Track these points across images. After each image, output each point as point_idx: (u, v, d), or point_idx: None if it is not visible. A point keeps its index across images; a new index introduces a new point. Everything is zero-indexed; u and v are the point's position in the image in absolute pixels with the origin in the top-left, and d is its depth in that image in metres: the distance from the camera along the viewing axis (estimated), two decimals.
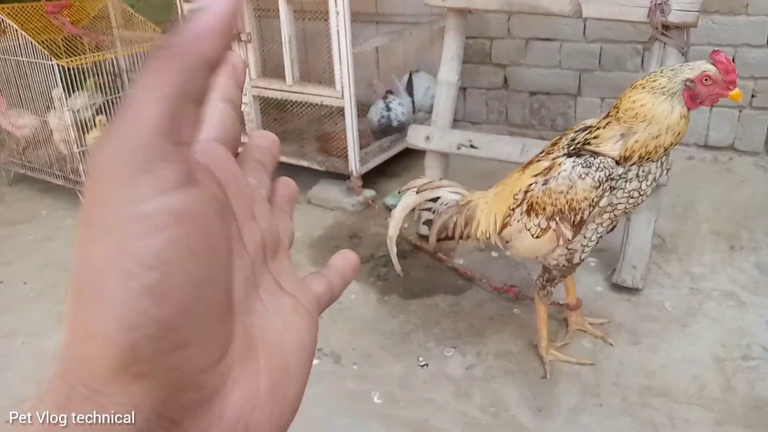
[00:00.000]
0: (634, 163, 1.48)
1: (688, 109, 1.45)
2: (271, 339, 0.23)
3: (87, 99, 2.99)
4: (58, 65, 2.72)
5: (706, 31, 2.80)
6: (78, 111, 2.93)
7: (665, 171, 2.01)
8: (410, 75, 3.37)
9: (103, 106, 3.06)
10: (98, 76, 3.01)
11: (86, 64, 2.93)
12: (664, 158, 1.51)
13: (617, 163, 1.49)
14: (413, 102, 3.30)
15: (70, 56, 2.85)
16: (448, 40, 2.56)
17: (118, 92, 3.16)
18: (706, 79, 1.42)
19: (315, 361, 1.94)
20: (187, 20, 0.20)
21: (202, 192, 0.20)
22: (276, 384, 0.22)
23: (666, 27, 2.03)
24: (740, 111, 2.87)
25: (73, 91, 2.92)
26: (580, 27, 3.07)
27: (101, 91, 3.05)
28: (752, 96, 2.83)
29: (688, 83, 1.43)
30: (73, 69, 2.82)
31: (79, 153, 2.93)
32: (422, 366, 1.92)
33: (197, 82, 0.19)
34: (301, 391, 0.24)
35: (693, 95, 1.44)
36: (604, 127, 1.52)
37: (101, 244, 0.19)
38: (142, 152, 0.18)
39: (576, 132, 1.60)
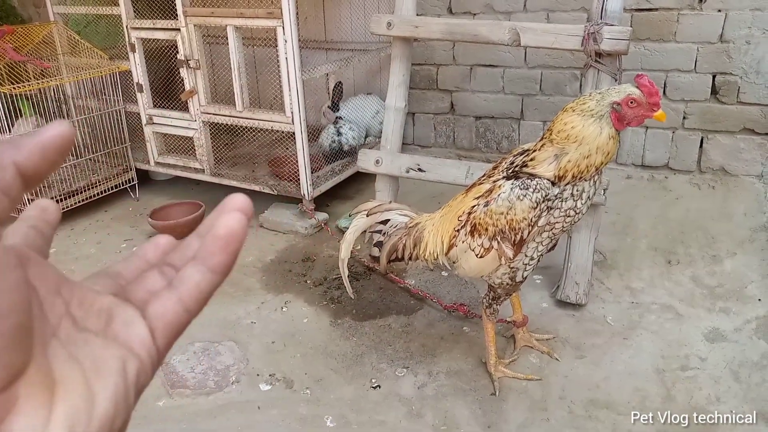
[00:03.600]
0: (568, 183, 1.56)
1: (617, 130, 1.54)
2: (73, 378, 0.26)
3: (32, 125, 2.94)
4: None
5: (638, 57, 2.95)
6: None
7: (602, 191, 2.10)
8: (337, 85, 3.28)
9: None
10: (43, 102, 2.97)
11: (30, 91, 2.88)
12: (596, 177, 1.58)
13: (552, 183, 1.56)
14: (339, 117, 3.29)
15: (14, 83, 2.80)
16: (394, 67, 2.63)
17: (64, 119, 3.11)
18: (631, 102, 1.51)
19: (267, 387, 1.95)
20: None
21: None
22: (77, 411, 0.25)
23: (599, 54, 2.14)
24: (674, 132, 3.02)
25: (17, 118, 2.86)
26: (521, 54, 3.19)
27: (43, 116, 3.00)
28: (684, 118, 2.98)
29: (615, 106, 1.52)
30: (17, 96, 2.77)
31: None
32: (374, 387, 1.94)
33: None
34: (116, 411, 0.27)
35: (620, 117, 1.52)
36: (539, 150, 1.59)
37: None
38: None
39: (515, 155, 1.67)
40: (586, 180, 1.56)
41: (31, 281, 0.27)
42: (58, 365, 0.26)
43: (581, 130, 1.52)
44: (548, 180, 1.56)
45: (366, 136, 3.47)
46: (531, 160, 1.59)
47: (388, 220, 1.91)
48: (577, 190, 1.57)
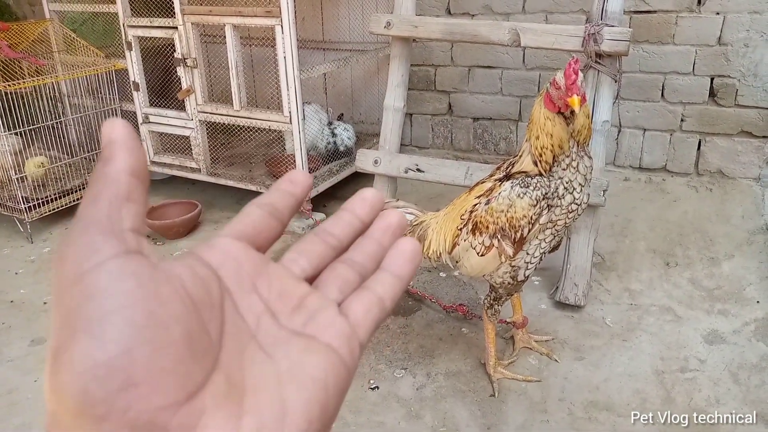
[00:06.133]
0: (546, 171, 1.56)
1: (550, 111, 1.53)
2: (266, 385, 0.25)
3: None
4: None
5: (637, 59, 2.95)
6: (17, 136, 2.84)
7: (601, 192, 2.10)
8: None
9: (41, 131, 2.97)
10: (38, 100, 2.94)
11: (25, 88, 2.86)
12: (574, 162, 1.56)
13: (540, 174, 1.56)
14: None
15: (8, 80, 2.77)
16: (393, 67, 2.62)
17: (59, 117, 3.09)
18: (555, 84, 1.50)
19: None
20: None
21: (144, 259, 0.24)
22: (265, 426, 0.24)
23: (599, 56, 2.13)
24: (671, 134, 3.02)
25: (11, 116, 2.83)
26: (519, 55, 3.19)
27: (37, 114, 2.97)
28: (681, 120, 2.98)
29: (548, 87, 1.52)
30: (11, 93, 2.74)
31: (17, 180, 2.83)
32: (373, 389, 1.92)
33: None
34: (309, 427, 0.25)
35: (551, 98, 1.52)
36: (524, 147, 1.61)
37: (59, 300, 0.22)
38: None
39: (516, 156, 1.67)
40: (563, 168, 1.55)
41: (226, 286, 0.27)
42: (253, 370, 0.25)
43: (532, 113, 1.57)
44: (537, 174, 1.56)
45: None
46: (519, 157, 1.60)
47: None
48: (566, 182, 1.56)
